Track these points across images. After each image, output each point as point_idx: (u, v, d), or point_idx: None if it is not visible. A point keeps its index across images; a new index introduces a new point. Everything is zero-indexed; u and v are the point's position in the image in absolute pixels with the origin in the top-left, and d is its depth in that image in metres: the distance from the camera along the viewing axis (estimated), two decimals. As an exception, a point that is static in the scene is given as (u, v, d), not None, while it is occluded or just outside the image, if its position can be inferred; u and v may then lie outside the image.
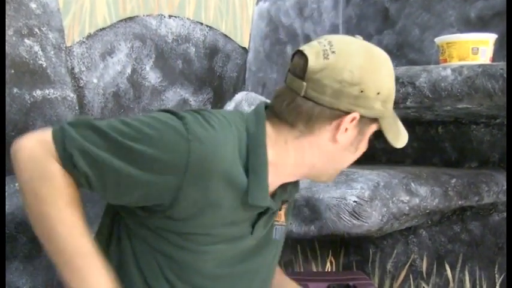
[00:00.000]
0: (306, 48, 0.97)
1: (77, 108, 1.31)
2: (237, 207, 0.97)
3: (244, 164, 0.95)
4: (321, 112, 0.96)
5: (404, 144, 1.05)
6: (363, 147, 1.04)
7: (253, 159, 0.96)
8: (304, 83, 0.95)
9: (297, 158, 1.00)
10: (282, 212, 1.10)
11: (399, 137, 1.04)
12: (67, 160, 0.88)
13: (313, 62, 0.95)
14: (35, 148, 0.89)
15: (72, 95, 1.29)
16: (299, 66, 0.96)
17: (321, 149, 1.00)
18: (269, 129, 0.99)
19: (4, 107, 1.12)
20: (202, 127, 0.91)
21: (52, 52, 1.23)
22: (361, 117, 0.97)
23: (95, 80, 1.34)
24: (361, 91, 0.96)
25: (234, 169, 0.94)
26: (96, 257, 0.90)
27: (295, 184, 1.10)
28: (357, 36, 1.02)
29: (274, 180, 1.00)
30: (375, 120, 1.00)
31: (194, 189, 0.91)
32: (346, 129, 0.98)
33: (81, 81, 1.32)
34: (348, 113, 0.97)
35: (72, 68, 1.30)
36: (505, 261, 1.75)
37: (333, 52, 0.96)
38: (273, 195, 1.03)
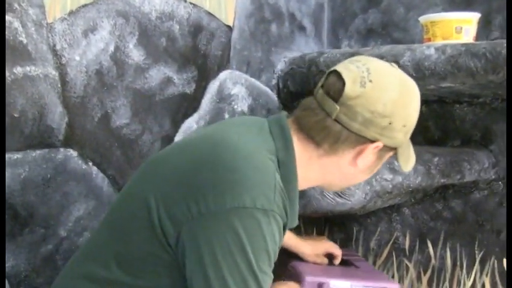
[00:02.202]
0: (343, 72, 0.98)
1: (59, 85, 1.29)
2: None
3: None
4: (348, 137, 0.99)
5: (411, 169, 1.09)
6: (377, 169, 1.08)
7: (288, 188, 0.98)
8: (338, 107, 0.97)
9: (317, 174, 1.04)
10: None
11: (409, 162, 1.08)
12: None
13: (350, 89, 0.96)
14: None
15: (54, 73, 1.28)
16: (335, 88, 0.98)
17: (340, 170, 1.03)
18: (294, 145, 1.01)
19: (4, 104, 1.11)
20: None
21: (33, 28, 1.22)
22: (383, 145, 1.01)
23: (77, 58, 1.32)
24: (390, 123, 0.98)
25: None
26: None
27: None
28: (393, 64, 1.04)
29: None
30: (394, 148, 1.04)
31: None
32: (365, 156, 1.02)
33: (63, 59, 1.30)
34: (372, 141, 1.00)
35: (54, 45, 1.28)
36: (485, 238, 1.78)
37: (370, 81, 0.97)
38: None
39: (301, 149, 1.01)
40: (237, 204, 0.89)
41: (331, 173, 1.04)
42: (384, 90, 0.98)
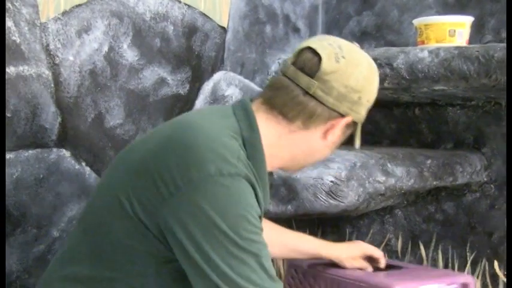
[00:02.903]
0: (318, 48, 1.01)
1: (52, 85, 1.29)
2: None
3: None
4: (322, 112, 1.01)
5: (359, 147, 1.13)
6: (336, 148, 1.11)
7: (256, 166, 0.98)
8: (315, 82, 0.99)
9: (286, 151, 1.05)
10: None
11: (359, 139, 1.10)
12: None
13: (326, 64, 0.99)
14: None
15: (47, 72, 1.28)
16: (310, 64, 1.00)
17: (309, 145, 1.05)
18: (262, 124, 1.01)
19: (4, 105, 1.10)
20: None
21: (26, 28, 1.21)
22: (351, 120, 1.04)
23: (71, 58, 1.32)
24: (359, 98, 1.02)
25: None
26: None
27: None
28: (355, 43, 1.07)
29: None
30: (356, 124, 1.07)
31: None
32: (335, 130, 1.04)
33: (57, 59, 1.30)
34: (343, 116, 1.02)
35: (47, 45, 1.28)
36: (477, 240, 1.79)
37: (343, 57, 1.01)
38: None
39: (270, 128, 1.02)
40: (203, 175, 0.89)
41: (300, 148, 1.05)
42: (356, 66, 1.02)
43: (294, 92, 1.01)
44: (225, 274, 0.88)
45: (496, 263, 1.74)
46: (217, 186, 0.89)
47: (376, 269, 1.33)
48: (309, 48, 1.01)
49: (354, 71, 1.01)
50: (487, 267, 1.75)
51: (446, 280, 1.28)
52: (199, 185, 0.89)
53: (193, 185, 0.89)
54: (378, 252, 1.35)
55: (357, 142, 1.09)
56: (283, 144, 1.04)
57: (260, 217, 0.96)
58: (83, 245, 0.98)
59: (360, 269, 1.31)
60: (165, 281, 0.96)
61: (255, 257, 0.90)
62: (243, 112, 1.02)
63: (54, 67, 1.29)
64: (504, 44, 1.48)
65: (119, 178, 0.97)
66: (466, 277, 1.34)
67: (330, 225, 1.95)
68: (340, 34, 2.12)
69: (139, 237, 0.92)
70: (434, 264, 1.83)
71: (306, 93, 1.00)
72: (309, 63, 1.00)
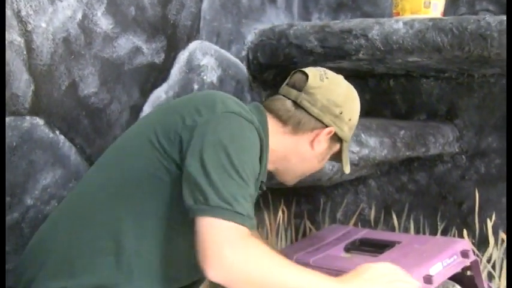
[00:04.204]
0: (307, 70, 1.23)
1: (24, 53, 1.27)
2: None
3: None
4: (308, 121, 1.20)
5: (349, 171, 1.28)
6: (325, 161, 1.28)
7: (262, 144, 1.12)
8: (302, 94, 1.20)
9: (280, 150, 1.21)
10: None
11: (348, 163, 1.27)
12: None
13: (312, 80, 1.21)
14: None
15: (19, 39, 1.26)
16: (300, 81, 1.22)
17: (298, 150, 1.22)
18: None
19: (4, 100, 1.09)
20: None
21: (-4, -7, 1.19)
22: (334, 134, 1.22)
23: (44, 25, 1.30)
24: (340, 113, 1.21)
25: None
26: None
27: None
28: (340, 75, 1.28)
29: None
30: (340, 141, 1.24)
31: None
32: (320, 140, 1.21)
33: (29, 25, 1.28)
34: (327, 127, 1.20)
35: (19, 11, 1.26)
36: (447, 210, 1.83)
37: (327, 78, 1.23)
38: None
39: (269, 124, 1.19)
40: (226, 110, 1.06)
41: (291, 150, 1.21)
42: (338, 85, 1.23)
43: (286, 103, 1.21)
44: (212, 182, 0.99)
45: (465, 232, 1.79)
46: (236, 120, 1.06)
47: (372, 251, 1.43)
48: (300, 71, 1.24)
49: (335, 89, 1.22)
50: (456, 236, 1.80)
51: (447, 253, 1.33)
52: (221, 115, 1.06)
53: (216, 115, 1.06)
54: None
55: (344, 165, 1.25)
56: (277, 142, 1.19)
57: (257, 175, 1.08)
58: (100, 192, 1.10)
59: None
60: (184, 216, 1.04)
61: (243, 183, 1.01)
62: (255, 106, 1.20)
63: (27, 34, 1.27)
64: (477, 17, 1.49)
65: (147, 122, 1.14)
66: (462, 243, 1.39)
67: (305, 195, 1.98)
68: (316, 5, 2.11)
69: (163, 169, 1.05)
70: (406, 232, 1.87)
71: (295, 103, 1.20)
72: (298, 80, 1.22)
